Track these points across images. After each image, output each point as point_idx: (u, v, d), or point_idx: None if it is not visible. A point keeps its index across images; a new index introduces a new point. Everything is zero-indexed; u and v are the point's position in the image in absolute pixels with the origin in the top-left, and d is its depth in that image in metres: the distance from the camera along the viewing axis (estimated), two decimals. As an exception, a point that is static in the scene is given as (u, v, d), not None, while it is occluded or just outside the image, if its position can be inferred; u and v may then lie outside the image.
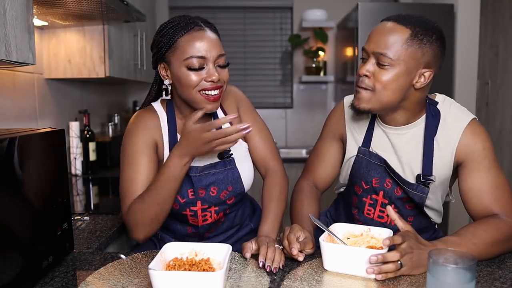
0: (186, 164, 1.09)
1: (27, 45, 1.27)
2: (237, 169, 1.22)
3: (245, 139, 1.28)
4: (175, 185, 1.10)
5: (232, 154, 1.22)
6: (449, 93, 2.76)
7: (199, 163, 1.19)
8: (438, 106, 1.17)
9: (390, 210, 1.01)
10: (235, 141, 1.07)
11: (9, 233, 0.83)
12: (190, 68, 1.09)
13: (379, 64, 1.07)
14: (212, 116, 1.25)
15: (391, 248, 0.94)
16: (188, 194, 1.18)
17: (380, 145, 1.21)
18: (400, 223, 0.99)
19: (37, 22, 1.91)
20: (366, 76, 1.09)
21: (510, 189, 1.12)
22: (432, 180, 1.14)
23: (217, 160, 1.22)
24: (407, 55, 1.05)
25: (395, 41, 1.05)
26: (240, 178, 1.22)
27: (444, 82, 2.75)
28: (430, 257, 0.78)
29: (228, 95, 1.29)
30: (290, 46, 3.62)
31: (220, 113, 1.27)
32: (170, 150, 1.17)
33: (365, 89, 1.10)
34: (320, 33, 3.45)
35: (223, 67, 1.13)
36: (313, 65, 3.51)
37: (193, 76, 1.09)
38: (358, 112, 1.14)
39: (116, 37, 2.24)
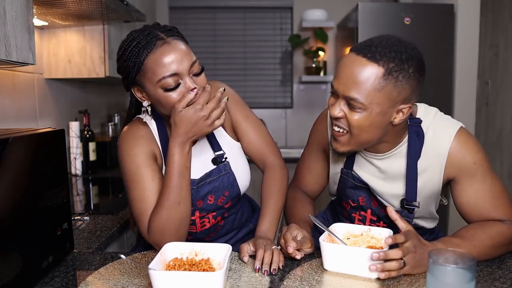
0: (189, 151, 1.05)
1: (27, 45, 1.27)
2: (232, 173, 1.18)
3: (238, 137, 1.25)
4: (188, 176, 1.06)
5: (226, 158, 1.19)
6: (449, 93, 2.76)
7: (195, 175, 1.15)
8: (422, 125, 1.08)
9: (391, 211, 1.00)
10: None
11: (9, 233, 0.83)
12: (167, 89, 1.02)
13: (350, 106, 0.98)
14: None
15: (392, 247, 0.94)
16: None
17: (363, 168, 1.17)
18: (401, 223, 0.99)
19: (37, 22, 1.91)
20: (339, 117, 1.01)
21: (508, 195, 1.09)
22: (416, 206, 1.11)
23: (212, 167, 1.18)
24: (381, 97, 0.95)
25: (366, 83, 0.93)
26: (236, 182, 1.19)
27: (444, 82, 2.75)
28: (430, 257, 0.78)
29: (215, 92, 1.25)
30: (290, 46, 3.62)
31: None
32: (165, 159, 1.13)
33: (342, 132, 1.03)
34: (320, 33, 3.45)
35: (198, 74, 1.06)
36: (313, 65, 3.51)
37: (173, 95, 1.02)
38: (339, 154, 1.08)
39: (116, 37, 2.24)
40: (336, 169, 1.24)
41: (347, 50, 3.18)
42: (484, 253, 1.02)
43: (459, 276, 0.76)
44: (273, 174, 1.24)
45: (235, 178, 1.19)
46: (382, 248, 0.98)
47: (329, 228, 1.04)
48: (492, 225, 1.06)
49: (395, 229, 1.16)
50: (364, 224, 1.21)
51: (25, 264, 0.88)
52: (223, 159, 1.18)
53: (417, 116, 1.10)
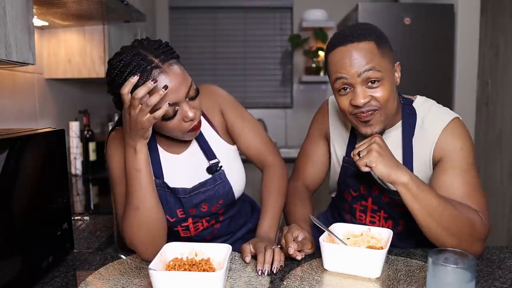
0: (140, 151, 0.99)
1: (27, 45, 1.27)
2: (228, 181, 1.16)
3: (234, 138, 1.22)
4: (142, 180, 1.01)
5: (221, 166, 1.16)
6: (449, 93, 2.76)
7: (188, 183, 1.14)
8: (414, 105, 1.15)
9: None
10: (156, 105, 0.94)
11: (9, 233, 0.83)
12: (164, 119, 1.00)
13: (370, 84, 1.03)
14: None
15: (391, 248, 0.94)
16: (178, 214, 1.14)
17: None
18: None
19: (37, 22, 1.91)
20: (367, 102, 1.04)
21: (484, 193, 1.09)
22: None
23: (206, 177, 1.15)
24: (385, 62, 1.04)
25: (372, 56, 1.02)
26: (232, 190, 1.17)
27: (444, 82, 2.75)
28: (430, 257, 0.78)
29: (208, 96, 1.19)
30: (290, 46, 3.62)
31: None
32: (153, 164, 1.12)
33: (373, 111, 1.05)
34: (320, 33, 3.45)
35: (194, 97, 1.03)
36: (313, 65, 3.51)
37: (170, 124, 1.01)
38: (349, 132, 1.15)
39: (116, 37, 2.24)
40: (336, 160, 1.26)
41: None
42: (443, 216, 0.98)
43: (459, 276, 0.76)
44: (272, 173, 1.23)
45: (231, 186, 1.17)
46: (382, 248, 0.98)
47: (329, 228, 1.04)
48: (469, 208, 1.03)
49: (395, 217, 1.18)
50: (366, 215, 1.22)
51: (25, 264, 0.88)
52: (218, 168, 1.16)
53: (414, 104, 1.16)
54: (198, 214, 1.16)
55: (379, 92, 1.03)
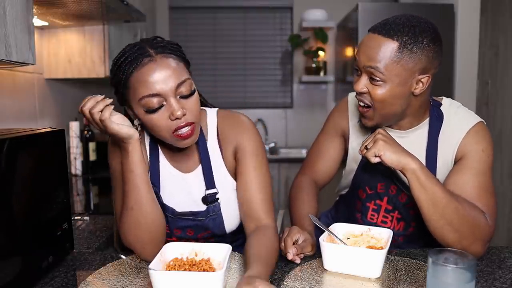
0: (132, 153, 0.98)
1: (27, 45, 1.27)
2: (221, 215, 1.10)
3: (236, 176, 1.11)
4: (136, 181, 0.99)
5: (218, 198, 1.09)
6: (449, 93, 2.76)
7: (177, 206, 1.10)
8: (442, 108, 1.15)
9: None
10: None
11: (9, 233, 0.83)
12: (148, 111, 0.95)
13: (372, 80, 1.05)
14: (197, 144, 1.09)
15: (391, 248, 0.94)
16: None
17: None
18: None
19: (37, 22, 1.91)
20: (363, 93, 1.07)
21: (494, 196, 1.09)
22: None
23: (200, 207, 1.10)
24: (399, 68, 1.02)
25: (384, 56, 1.01)
26: (223, 224, 1.10)
27: (444, 82, 2.75)
28: (430, 257, 0.78)
29: (234, 126, 1.11)
30: (290, 46, 3.62)
31: (212, 141, 1.11)
32: (152, 162, 1.11)
33: (367, 107, 1.09)
34: (320, 33, 3.45)
35: (187, 96, 0.97)
36: (313, 65, 3.51)
37: (155, 119, 0.95)
38: (367, 129, 1.18)
39: (116, 37, 2.25)
40: (355, 155, 1.25)
41: (347, 50, 3.17)
42: (447, 209, 0.98)
43: (459, 276, 0.76)
44: (263, 239, 1.01)
45: (222, 221, 1.10)
46: (382, 248, 0.98)
47: (329, 228, 1.04)
48: (475, 207, 1.04)
49: (408, 219, 1.18)
50: (378, 215, 1.22)
51: (25, 264, 0.88)
52: (215, 199, 1.10)
53: (442, 107, 1.16)
54: (184, 236, 1.13)
55: (376, 90, 1.05)
